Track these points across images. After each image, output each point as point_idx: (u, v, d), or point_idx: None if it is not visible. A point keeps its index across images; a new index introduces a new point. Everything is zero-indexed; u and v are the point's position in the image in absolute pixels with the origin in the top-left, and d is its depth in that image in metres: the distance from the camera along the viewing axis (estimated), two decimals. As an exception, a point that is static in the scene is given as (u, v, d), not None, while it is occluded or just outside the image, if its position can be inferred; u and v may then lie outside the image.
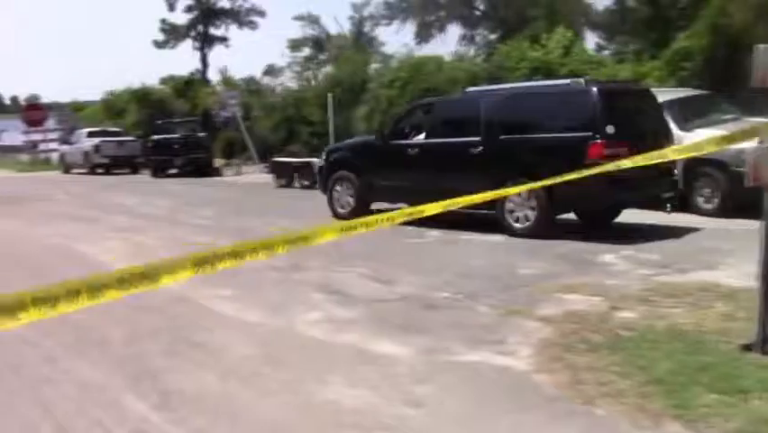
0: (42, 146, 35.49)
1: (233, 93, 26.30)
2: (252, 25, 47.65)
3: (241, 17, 47.32)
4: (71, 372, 4.92)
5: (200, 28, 46.61)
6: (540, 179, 6.27)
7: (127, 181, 23.97)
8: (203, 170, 23.93)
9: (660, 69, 16.60)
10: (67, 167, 29.19)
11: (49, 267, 8.80)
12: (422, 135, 11.25)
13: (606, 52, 25.13)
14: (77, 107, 42.99)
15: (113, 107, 36.01)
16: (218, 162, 26.66)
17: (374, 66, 28.15)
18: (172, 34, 46.57)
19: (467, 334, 5.29)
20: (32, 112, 34.15)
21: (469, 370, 4.59)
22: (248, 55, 45.09)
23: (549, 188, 8.21)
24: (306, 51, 41.54)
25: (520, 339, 5.08)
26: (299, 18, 42.52)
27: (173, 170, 24.29)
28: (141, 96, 33.85)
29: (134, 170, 27.25)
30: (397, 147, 11.25)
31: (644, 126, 9.59)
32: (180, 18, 46.41)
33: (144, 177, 25.19)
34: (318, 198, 13.39)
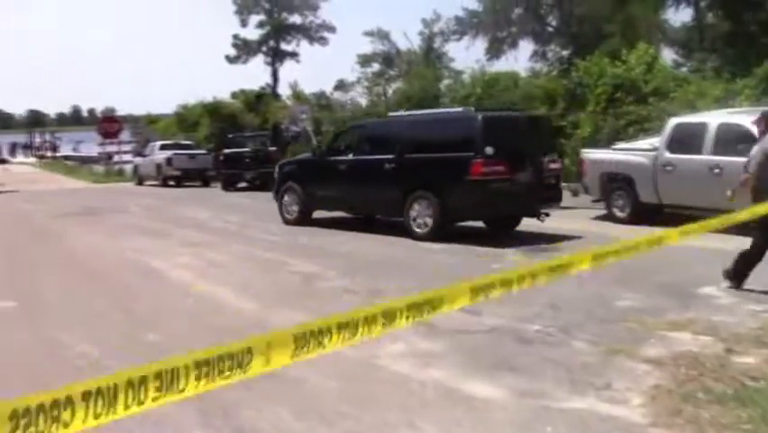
0: (117, 158, 36.24)
1: (304, 107, 26.26)
2: (323, 41, 48.04)
3: (311, 33, 47.74)
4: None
5: (271, 43, 47.18)
6: (435, 191, 9.76)
7: (198, 194, 24.08)
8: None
9: (752, 87, 15.73)
10: (140, 179, 29.62)
11: (123, 283, 8.65)
12: (351, 153, 12.82)
13: (683, 69, 24.23)
14: (151, 120, 43.87)
15: (185, 120, 36.53)
16: (287, 177, 26.63)
17: (445, 82, 27.81)
18: (244, 49, 47.25)
19: (566, 375, 4.80)
20: (108, 124, 34.85)
21: (574, 418, 4.11)
22: (318, 70, 45.16)
23: (443, 200, 10.76)
24: (376, 67, 41.57)
25: (629, 384, 4.56)
26: (369, 34, 42.62)
27: (243, 184, 24.32)
28: (213, 110, 34.25)
29: (205, 183, 27.45)
30: (332, 162, 12.82)
31: (525, 148, 11.10)
32: (252, 34, 47.08)
33: (215, 190, 25.30)
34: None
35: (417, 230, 11.09)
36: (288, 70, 54.78)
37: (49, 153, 60.71)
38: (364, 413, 4.30)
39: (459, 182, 10.64)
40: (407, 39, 43.43)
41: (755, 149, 7.23)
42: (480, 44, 38.14)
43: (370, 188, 12.10)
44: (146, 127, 39.32)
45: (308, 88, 36.49)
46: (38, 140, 68.24)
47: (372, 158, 12.13)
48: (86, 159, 48.13)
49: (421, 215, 11.13)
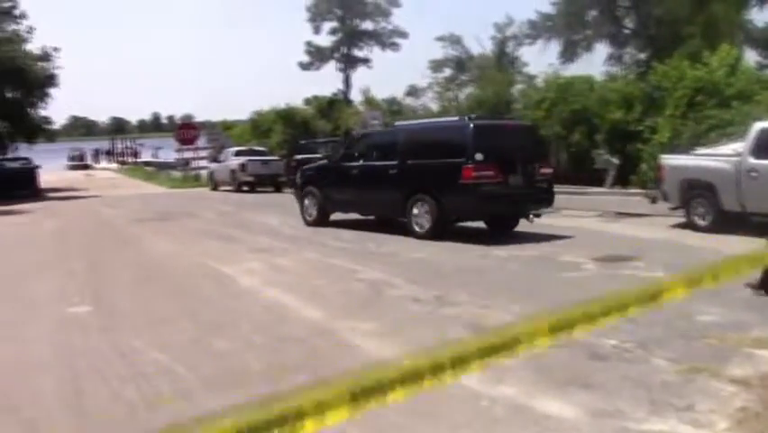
0: (193, 163, 37.00)
1: (376, 113, 26.26)
2: (395, 47, 48.15)
3: (383, 39, 47.90)
4: (206, 412, 4.58)
5: (344, 50, 47.54)
6: (432, 194, 11.32)
7: (270, 200, 24.36)
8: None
9: None
10: (215, 184, 30.17)
11: (192, 289, 8.74)
12: (361, 159, 13.80)
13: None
14: (226, 126, 44.71)
15: (259, 127, 37.10)
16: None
17: (518, 86, 27.41)
18: (317, 56, 47.76)
19: (645, 394, 4.56)
20: (185, 131, 35.62)
21: (653, 442, 3.87)
22: (390, 76, 45.48)
23: (439, 202, 11.77)
24: (448, 72, 41.35)
25: (713, 406, 4.29)
26: (441, 39, 42.45)
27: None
28: (286, 116, 34.68)
29: (277, 188, 27.76)
30: (345, 168, 13.91)
31: (515, 153, 11.96)
32: (325, 40, 47.55)
33: (287, 196, 25.53)
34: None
35: (418, 230, 12.11)
36: (359, 76, 55.19)
37: (130, 159, 62.50)
38: (431, 429, 4.16)
39: (453, 186, 11.62)
40: (480, 43, 43.07)
41: None
42: (554, 48, 37.54)
43: (377, 192, 13.22)
44: (221, 134, 39.99)
45: (380, 94, 36.53)
46: (119, 146, 70.38)
47: (378, 164, 13.26)
48: (164, 164, 49.33)
49: (420, 216, 12.12)
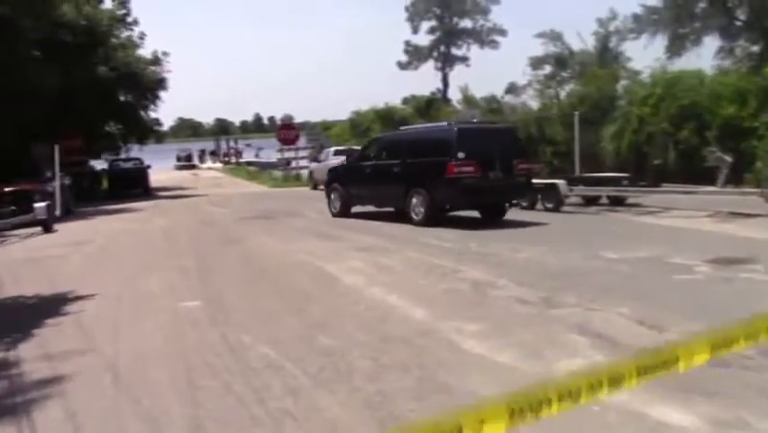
0: (294, 163, 37.74)
1: (474, 112, 26.05)
2: (494, 44, 47.64)
3: (482, 36, 47.47)
4: (314, 408, 4.64)
5: (442, 48, 47.39)
6: (426, 187, 13.92)
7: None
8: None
9: None
10: (315, 183, 30.65)
11: (297, 286, 8.88)
12: (374, 159, 16.60)
13: None
14: (325, 126, 45.44)
15: (358, 126, 37.50)
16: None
17: (623, 82, 26.60)
18: (415, 55, 47.84)
19: (770, 404, 4.30)
20: (286, 131, 36.35)
21: (782, 456, 3.65)
22: (489, 74, 44.96)
23: (431, 194, 14.25)
24: (548, 69, 40.53)
25: None
26: (541, 35, 41.65)
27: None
28: (384, 116, 34.96)
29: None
30: (361, 167, 16.73)
31: (494, 152, 14.15)
32: (423, 40, 47.54)
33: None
34: (572, 221, 12.59)
35: (415, 217, 14.68)
36: (457, 75, 54.91)
37: (233, 159, 64.41)
38: (542, 434, 4.06)
39: (440, 180, 14.07)
40: (581, 39, 41.96)
41: None
42: (660, 42, 36.16)
43: (385, 187, 15.79)
44: (321, 134, 40.66)
45: (479, 92, 36.19)
46: (224, 147, 72.65)
47: (386, 162, 15.90)
48: (266, 164, 50.55)
49: (417, 205, 14.65)
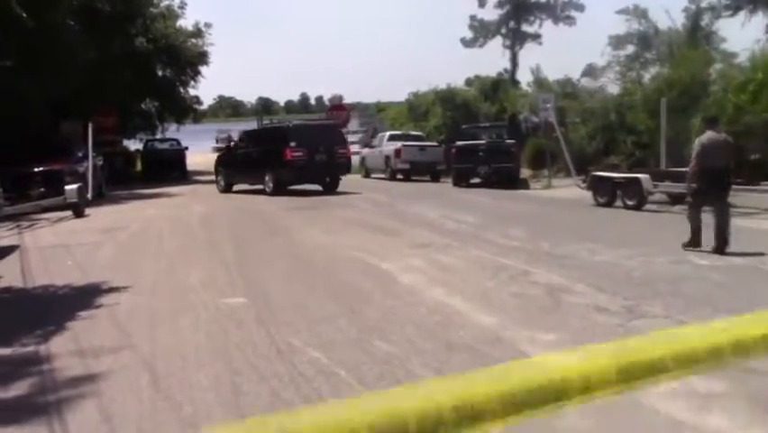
0: (344, 148, 37.82)
1: (548, 96, 25.63)
2: (569, 20, 46.83)
3: (557, 12, 46.73)
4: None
5: (511, 24, 46.82)
6: (274, 167, 22.34)
7: (427, 190, 24.53)
8: (508, 180, 23.73)
9: None
10: (366, 171, 30.77)
11: (349, 285, 8.88)
12: (247, 148, 25.22)
13: None
14: (379, 108, 45.36)
15: (416, 109, 37.35)
16: (525, 173, 26.32)
17: (717, 66, 25.93)
18: (481, 32, 47.32)
19: None
20: (335, 112, 36.43)
21: None
22: (563, 54, 44.10)
23: (276, 172, 22.09)
24: (630, 50, 39.75)
25: None
26: (623, 12, 40.86)
27: (476, 180, 24.39)
28: (446, 98, 34.72)
29: (435, 177, 27.91)
30: (238, 154, 25.07)
31: (319, 142, 22.39)
32: (491, 14, 47.01)
33: (445, 185, 25.63)
34: (656, 221, 12.32)
35: (267, 190, 22.44)
36: (528, 54, 54.06)
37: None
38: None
39: (281, 162, 21.85)
40: (669, 17, 41.01)
41: None
42: (760, 20, 35.14)
43: (254, 167, 23.36)
44: (375, 116, 40.63)
45: (551, 74, 35.68)
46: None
47: (254, 150, 23.84)
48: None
49: (269, 181, 22.45)
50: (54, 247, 12.85)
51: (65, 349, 6.41)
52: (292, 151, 21.61)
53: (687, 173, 11.06)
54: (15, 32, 19.54)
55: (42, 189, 18.46)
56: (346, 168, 23.70)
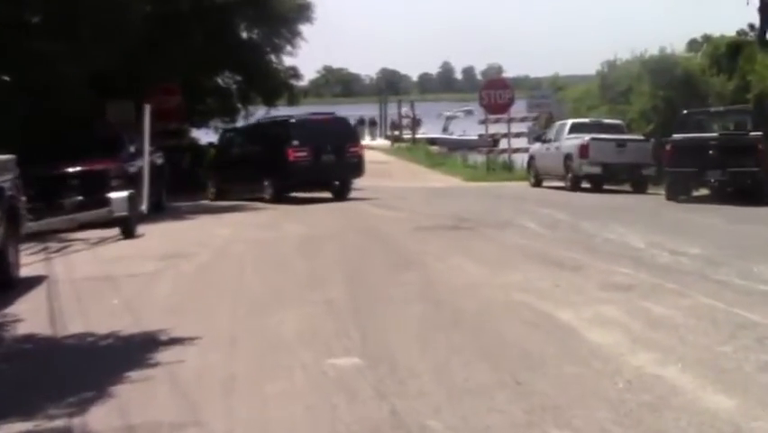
0: (504, 143, 37.52)
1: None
2: None
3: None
4: None
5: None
6: (272, 174, 27.62)
7: (628, 205, 24.29)
8: (753, 192, 23.02)
9: None
10: (536, 177, 30.53)
11: (509, 342, 8.84)
12: (239, 148, 31.89)
13: None
14: (558, 86, 45.12)
15: (612, 86, 36.91)
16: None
17: None
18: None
19: None
20: (493, 91, 36.36)
21: None
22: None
23: (275, 175, 27.39)
24: None
25: None
26: None
27: (702, 191, 23.89)
28: (658, 69, 34.10)
29: (639, 186, 27.51)
30: (232, 153, 31.25)
31: (327, 139, 27.72)
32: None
33: (655, 199, 25.23)
34: None
35: (266, 196, 26.83)
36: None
37: (406, 134, 64.85)
38: None
39: (282, 164, 26.49)
40: None
41: None
42: None
43: (250, 170, 28.02)
44: (550, 97, 40.35)
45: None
46: (391, 114, 73.46)
47: (248, 150, 29.45)
48: (459, 143, 50.99)
49: (267, 187, 27.05)
50: (94, 280, 13.28)
51: (107, 425, 6.58)
52: (295, 150, 26.40)
53: None
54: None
55: (80, 198, 18.87)
56: (358, 169, 28.19)
